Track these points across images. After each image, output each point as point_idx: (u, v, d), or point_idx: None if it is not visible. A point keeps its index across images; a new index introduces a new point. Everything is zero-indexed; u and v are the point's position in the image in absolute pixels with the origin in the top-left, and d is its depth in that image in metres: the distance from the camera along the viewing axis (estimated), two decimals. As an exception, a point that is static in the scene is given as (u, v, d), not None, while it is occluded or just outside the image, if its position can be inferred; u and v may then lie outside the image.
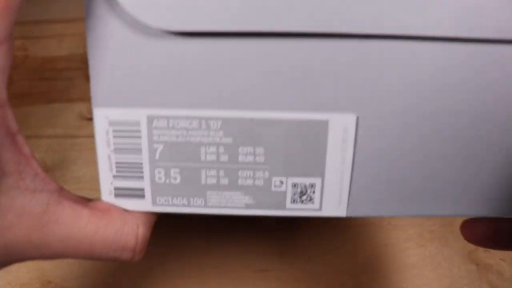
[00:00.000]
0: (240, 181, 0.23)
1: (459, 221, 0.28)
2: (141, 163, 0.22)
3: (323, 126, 0.22)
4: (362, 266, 0.39)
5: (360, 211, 0.24)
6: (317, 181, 0.23)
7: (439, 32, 0.20)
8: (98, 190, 0.23)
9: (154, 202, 0.23)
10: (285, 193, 0.23)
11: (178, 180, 0.23)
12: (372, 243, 0.40)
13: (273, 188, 0.23)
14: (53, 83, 0.47)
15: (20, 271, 0.38)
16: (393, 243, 0.40)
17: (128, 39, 0.21)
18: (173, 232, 0.40)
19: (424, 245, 0.40)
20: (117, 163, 0.22)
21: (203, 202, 0.23)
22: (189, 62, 0.21)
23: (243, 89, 0.21)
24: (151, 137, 0.22)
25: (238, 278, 0.38)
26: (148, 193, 0.23)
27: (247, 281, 0.38)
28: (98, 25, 0.20)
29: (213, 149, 0.22)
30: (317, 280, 0.39)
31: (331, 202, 0.23)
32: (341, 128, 0.22)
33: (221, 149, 0.22)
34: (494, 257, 0.40)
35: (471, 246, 0.39)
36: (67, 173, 0.43)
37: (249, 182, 0.23)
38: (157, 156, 0.22)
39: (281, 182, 0.23)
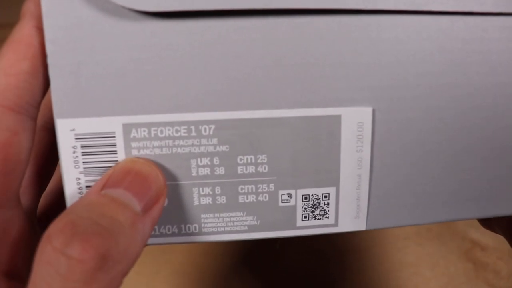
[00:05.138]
0: (240, 198, 0.19)
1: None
2: None
3: (335, 122, 0.19)
4: (360, 265, 0.39)
5: (382, 222, 0.20)
6: (331, 190, 0.19)
7: (454, 7, 0.18)
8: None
9: (136, 233, 0.19)
10: (294, 208, 0.19)
11: (166, 203, 0.19)
12: (370, 242, 0.40)
13: (280, 204, 0.19)
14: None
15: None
16: (391, 242, 0.40)
17: (97, 26, 0.17)
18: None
19: (421, 243, 0.40)
20: (88, 187, 0.18)
21: (197, 228, 0.19)
22: (171, 52, 0.17)
23: (239, 84, 0.18)
24: (129, 151, 0.18)
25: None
26: (128, 222, 0.19)
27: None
28: (59, 12, 0.17)
29: (206, 161, 0.18)
30: (314, 279, 0.38)
31: (348, 215, 0.20)
32: (355, 123, 0.19)
33: (216, 160, 0.18)
34: (491, 256, 0.40)
35: (468, 245, 0.40)
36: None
37: (252, 198, 0.19)
38: (137, 175, 0.18)
39: (290, 196, 0.19)
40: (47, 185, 0.22)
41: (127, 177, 0.17)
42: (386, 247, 0.40)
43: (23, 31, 0.17)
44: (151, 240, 0.19)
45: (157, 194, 0.17)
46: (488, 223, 0.25)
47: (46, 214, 0.22)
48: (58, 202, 0.23)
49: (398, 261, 0.39)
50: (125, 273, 0.16)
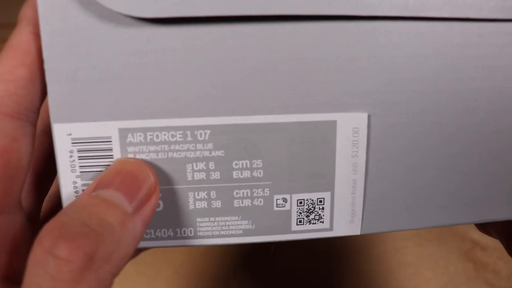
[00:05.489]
0: (236, 203, 0.19)
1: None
2: None
3: (331, 128, 0.19)
4: (359, 266, 0.39)
5: (377, 227, 0.20)
6: (326, 195, 0.19)
7: (453, 13, 0.18)
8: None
9: (132, 237, 0.19)
10: (289, 212, 0.19)
11: (161, 207, 0.19)
12: (369, 243, 0.40)
13: (275, 208, 0.19)
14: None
15: None
16: (390, 242, 0.40)
17: (93, 32, 0.17)
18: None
19: (421, 244, 0.40)
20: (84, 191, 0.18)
21: (192, 232, 0.19)
22: (167, 57, 0.17)
23: (234, 89, 0.18)
24: (125, 155, 0.18)
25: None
26: (124, 225, 0.19)
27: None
28: (56, 17, 0.17)
29: (201, 165, 0.19)
30: (313, 280, 0.38)
31: (343, 219, 0.20)
32: (351, 129, 0.19)
33: (212, 165, 0.19)
34: (491, 256, 0.40)
35: (468, 245, 0.40)
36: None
37: (247, 203, 0.19)
38: (133, 179, 0.18)
39: (285, 200, 0.19)
40: (49, 188, 0.22)
41: (117, 177, 0.17)
42: (385, 248, 0.40)
43: (21, 37, 0.17)
44: (146, 243, 0.19)
45: (148, 192, 0.17)
46: (484, 226, 0.26)
47: (49, 216, 0.22)
48: (61, 205, 0.23)
49: (397, 261, 0.39)
50: (115, 273, 0.16)
